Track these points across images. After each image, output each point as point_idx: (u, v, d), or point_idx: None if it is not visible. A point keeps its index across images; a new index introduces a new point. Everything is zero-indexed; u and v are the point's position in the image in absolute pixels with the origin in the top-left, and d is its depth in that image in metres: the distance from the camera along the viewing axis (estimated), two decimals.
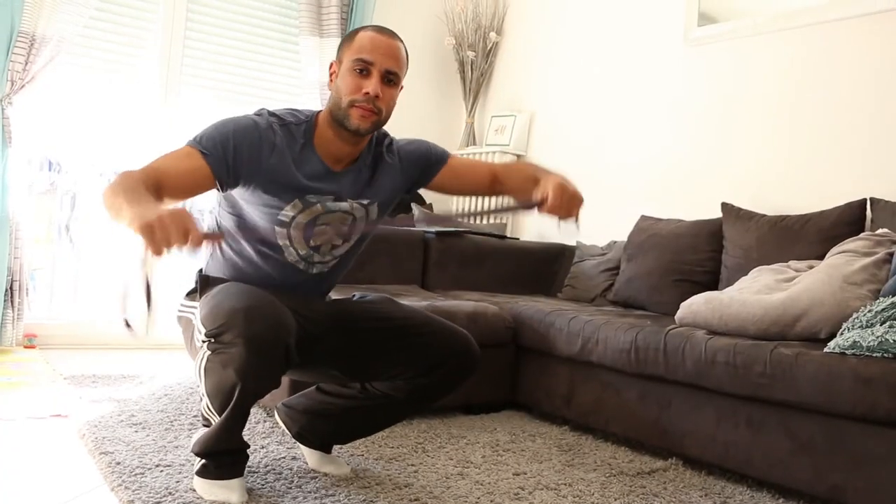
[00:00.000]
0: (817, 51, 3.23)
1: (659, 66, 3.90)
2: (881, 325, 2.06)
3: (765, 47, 3.42)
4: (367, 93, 1.83)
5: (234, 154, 1.80)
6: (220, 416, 1.73)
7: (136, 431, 2.31)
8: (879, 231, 2.56)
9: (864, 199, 2.84)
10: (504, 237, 4.09)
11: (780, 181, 3.31)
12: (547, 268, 4.04)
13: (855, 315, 2.16)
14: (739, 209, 3.19)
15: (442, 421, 2.78)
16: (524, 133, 4.64)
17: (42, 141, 3.83)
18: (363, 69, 1.83)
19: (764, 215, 3.09)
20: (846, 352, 2.05)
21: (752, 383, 2.19)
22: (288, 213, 1.88)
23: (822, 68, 3.21)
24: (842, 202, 2.89)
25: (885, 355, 1.98)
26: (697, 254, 3.23)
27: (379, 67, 1.85)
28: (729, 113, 3.55)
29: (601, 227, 4.07)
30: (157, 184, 1.68)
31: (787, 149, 3.30)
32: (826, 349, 2.10)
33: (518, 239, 4.29)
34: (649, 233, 3.45)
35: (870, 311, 2.13)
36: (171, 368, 3.42)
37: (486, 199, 4.57)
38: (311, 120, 1.93)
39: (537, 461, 2.38)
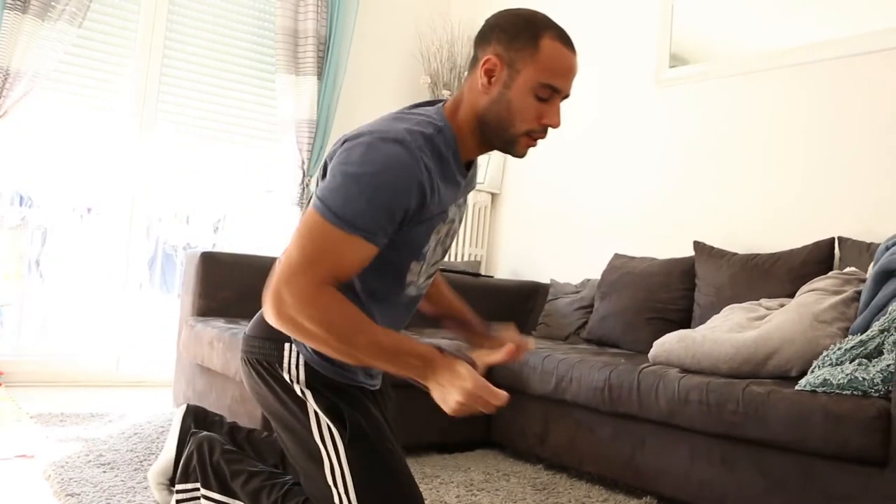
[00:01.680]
0: (785, 93, 3.30)
1: (631, 106, 3.96)
2: (850, 362, 2.08)
3: (734, 89, 3.49)
4: (548, 125, 1.52)
5: (398, 222, 1.45)
6: None
7: (104, 472, 2.27)
8: (847, 269, 2.61)
9: (833, 238, 2.89)
10: (478, 275, 4.10)
11: (750, 220, 3.36)
12: (521, 305, 4.05)
13: (825, 353, 2.19)
14: (711, 247, 3.23)
15: (416, 460, 2.75)
16: (498, 171, 4.67)
17: (13, 175, 3.80)
18: (549, 97, 1.50)
19: (735, 254, 3.13)
20: (817, 389, 2.07)
21: (725, 421, 2.20)
22: (431, 242, 1.56)
23: (790, 110, 3.28)
24: (811, 241, 2.94)
25: (855, 392, 2.00)
26: (670, 292, 3.25)
27: (563, 94, 1.52)
28: (700, 153, 3.61)
29: (575, 266, 4.10)
30: (336, 283, 1.41)
31: (758, 188, 3.35)
32: (797, 387, 2.12)
33: (492, 277, 4.30)
34: (623, 271, 3.47)
35: (839, 348, 2.15)
36: (141, 406, 3.37)
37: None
38: (448, 125, 1.53)
39: (511, 500, 2.36)
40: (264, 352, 1.62)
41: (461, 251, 4.63)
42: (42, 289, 4.04)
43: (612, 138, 4.05)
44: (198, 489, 1.73)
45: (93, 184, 4.02)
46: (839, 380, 2.03)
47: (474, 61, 1.53)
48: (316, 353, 1.57)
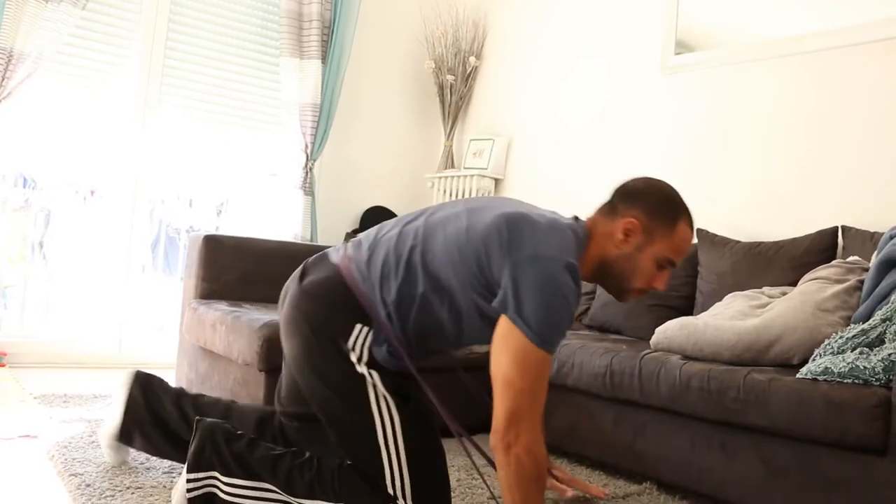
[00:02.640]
0: (792, 81, 3.29)
1: (637, 93, 3.95)
2: (852, 351, 2.09)
3: (739, 76, 3.48)
4: (656, 288, 1.80)
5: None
6: None
7: (119, 464, 2.28)
8: (850, 258, 2.60)
9: (836, 227, 2.89)
10: None
11: (754, 208, 3.36)
12: None
13: (827, 341, 2.19)
14: (714, 235, 3.23)
15: None
16: (502, 157, 4.67)
17: (17, 157, 3.80)
18: (665, 267, 1.79)
19: (738, 242, 3.13)
20: (818, 378, 2.07)
21: (726, 408, 2.21)
22: None
23: (796, 98, 3.27)
24: (814, 230, 2.94)
25: (856, 381, 2.00)
26: (673, 279, 3.25)
27: (674, 265, 1.81)
28: (704, 140, 3.60)
29: None
30: None
31: (762, 176, 3.35)
32: (798, 375, 2.12)
33: None
34: None
35: (841, 337, 2.16)
36: None
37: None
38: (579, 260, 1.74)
39: None
40: (330, 324, 1.75)
41: None
42: (45, 271, 4.05)
43: (616, 125, 4.04)
44: (211, 477, 1.75)
45: (96, 166, 4.02)
46: (840, 368, 2.04)
47: (613, 210, 1.78)
48: (385, 351, 1.75)
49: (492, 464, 1.82)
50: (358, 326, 1.74)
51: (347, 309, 1.74)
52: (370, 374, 1.72)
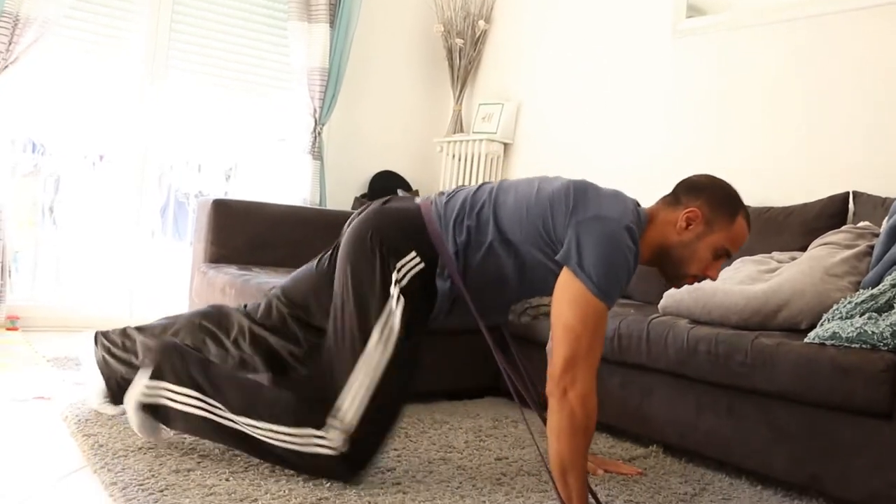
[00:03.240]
0: (804, 44, 3.25)
1: (647, 58, 3.91)
2: (860, 316, 2.09)
3: (752, 40, 3.44)
4: (709, 276, 1.89)
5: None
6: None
7: (120, 413, 2.31)
8: (861, 224, 2.59)
9: (847, 193, 2.87)
10: None
11: (765, 173, 3.34)
12: None
13: (835, 306, 2.19)
14: None
15: (425, 406, 2.79)
16: (511, 121, 4.64)
17: (26, 122, 3.80)
18: (720, 256, 1.88)
19: (749, 206, 3.11)
20: (826, 342, 2.07)
21: (733, 372, 2.21)
22: None
23: (808, 62, 3.23)
24: (825, 195, 2.92)
25: (864, 346, 2.00)
26: None
27: (729, 257, 1.91)
28: (715, 105, 3.57)
29: None
30: None
31: (773, 141, 3.32)
32: (806, 339, 2.13)
33: None
34: None
35: (850, 302, 2.15)
36: None
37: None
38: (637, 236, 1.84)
39: (519, 447, 2.40)
40: (391, 240, 1.89)
41: None
42: (56, 236, 4.07)
43: (625, 89, 4.00)
44: (164, 388, 1.92)
45: (104, 131, 4.02)
46: (848, 333, 2.04)
47: (676, 200, 1.90)
48: (447, 286, 1.91)
49: (538, 413, 1.87)
50: (414, 253, 1.88)
51: (413, 237, 1.91)
52: (397, 299, 1.84)
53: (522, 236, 1.87)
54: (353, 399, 1.81)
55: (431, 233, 1.92)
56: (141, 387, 1.94)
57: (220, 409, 1.88)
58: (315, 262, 2.21)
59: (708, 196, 1.87)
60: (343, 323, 1.89)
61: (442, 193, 2.03)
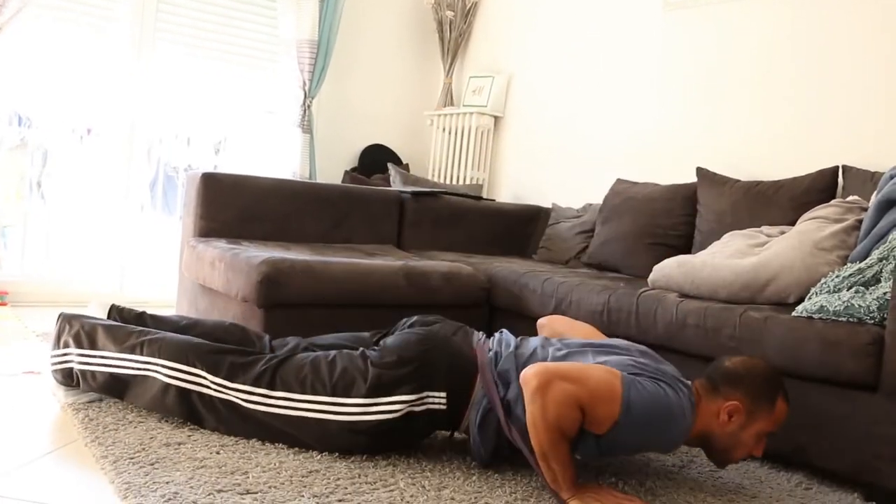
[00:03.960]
0: (795, 17, 3.23)
1: (638, 30, 3.89)
2: (848, 290, 2.10)
3: (742, 13, 3.42)
4: (755, 455, 1.89)
5: None
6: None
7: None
8: (850, 198, 2.60)
9: (837, 167, 2.87)
10: (480, 198, 4.10)
11: (755, 147, 3.34)
12: (522, 229, 4.06)
13: (823, 280, 2.20)
14: (714, 174, 3.21)
15: None
16: (502, 94, 4.62)
17: (11, 95, 3.76)
18: (765, 438, 1.88)
19: (738, 181, 3.12)
20: (813, 316, 2.09)
21: (722, 346, 2.23)
22: None
23: (799, 35, 3.21)
24: (815, 169, 2.92)
25: (851, 320, 2.02)
26: (672, 218, 3.25)
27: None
28: (706, 78, 3.56)
29: (576, 190, 4.09)
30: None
31: (763, 115, 3.32)
32: (794, 313, 2.14)
33: (494, 200, 4.30)
34: (624, 196, 3.46)
35: (838, 276, 2.16)
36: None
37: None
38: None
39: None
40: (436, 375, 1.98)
41: (463, 175, 4.61)
42: (44, 210, 4.04)
43: (617, 63, 3.98)
44: (67, 353, 2.12)
45: (92, 104, 3.98)
46: (836, 307, 2.05)
47: (714, 388, 1.86)
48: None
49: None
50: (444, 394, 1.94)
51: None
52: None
53: None
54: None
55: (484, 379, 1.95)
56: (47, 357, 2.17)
57: (118, 356, 2.07)
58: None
59: (747, 388, 1.84)
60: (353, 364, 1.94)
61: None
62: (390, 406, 1.88)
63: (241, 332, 2.26)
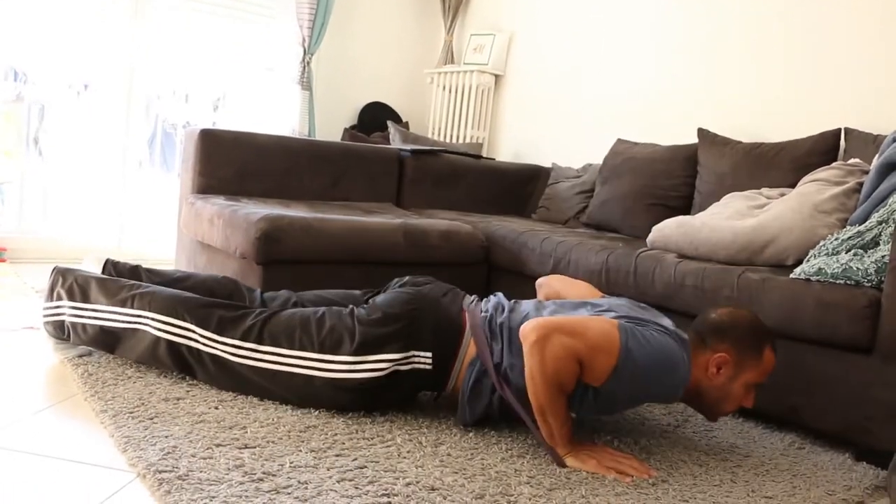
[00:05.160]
0: None
1: None
2: (846, 252, 2.10)
3: None
4: (746, 406, 1.90)
5: None
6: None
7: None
8: (851, 161, 2.58)
9: (839, 129, 2.85)
10: (480, 157, 4.08)
11: (756, 108, 3.31)
12: (521, 188, 4.05)
13: (822, 242, 2.20)
14: (715, 135, 3.19)
15: None
16: (503, 53, 4.57)
17: (6, 49, 3.72)
18: (754, 388, 1.88)
19: (739, 142, 3.10)
20: (811, 278, 2.09)
21: (720, 307, 2.23)
22: None
23: None
24: (817, 131, 2.90)
25: (848, 282, 2.02)
26: (672, 178, 3.24)
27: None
28: (708, 39, 3.52)
29: (577, 150, 4.07)
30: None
31: (765, 77, 3.29)
32: (792, 275, 2.14)
33: (493, 159, 4.28)
34: (625, 156, 3.45)
35: (836, 238, 2.16)
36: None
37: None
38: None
39: None
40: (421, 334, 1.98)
41: (463, 133, 4.59)
42: (42, 166, 4.02)
43: (618, 23, 3.94)
44: (60, 306, 2.15)
45: (89, 60, 3.94)
46: (834, 269, 2.05)
47: (702, 341, 1.87)
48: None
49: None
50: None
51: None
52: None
53: None
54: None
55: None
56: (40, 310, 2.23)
57: (110, 309, 2.09)
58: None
59: (734, 338, 1.85)
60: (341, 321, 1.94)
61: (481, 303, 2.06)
62: (377, 364, 1.89)
63: (234, 284, 2.28)
